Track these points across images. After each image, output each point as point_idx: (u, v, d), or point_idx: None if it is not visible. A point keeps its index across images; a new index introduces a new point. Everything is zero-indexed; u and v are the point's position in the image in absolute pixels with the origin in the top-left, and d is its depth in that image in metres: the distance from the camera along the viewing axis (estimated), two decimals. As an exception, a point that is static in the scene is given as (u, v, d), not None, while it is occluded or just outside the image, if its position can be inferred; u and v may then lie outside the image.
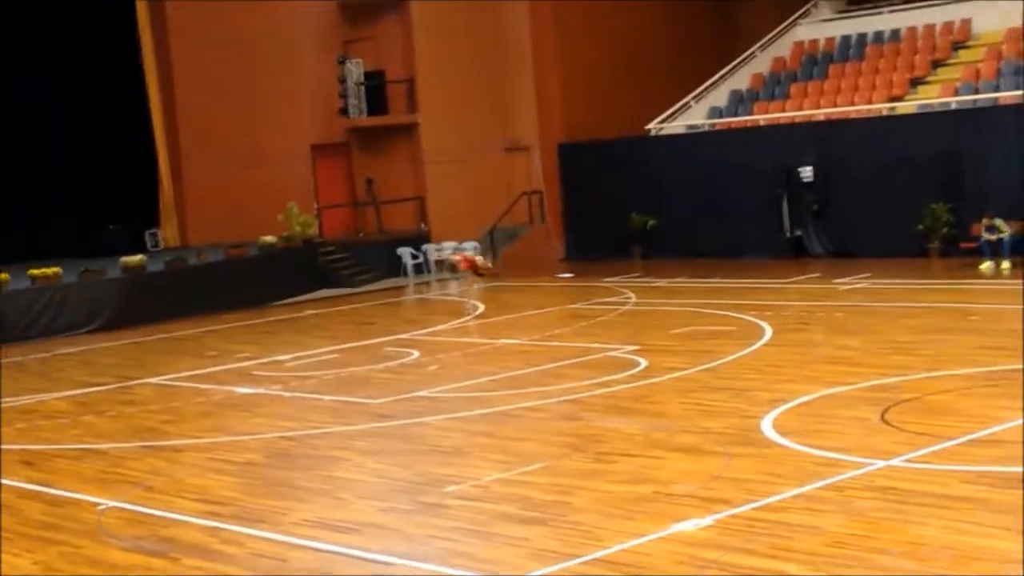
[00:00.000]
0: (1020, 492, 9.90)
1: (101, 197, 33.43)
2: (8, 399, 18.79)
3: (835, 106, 31.32)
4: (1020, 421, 12.19)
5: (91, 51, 33.49)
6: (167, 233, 34.62)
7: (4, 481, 13.52)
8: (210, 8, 33.63)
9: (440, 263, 32.95)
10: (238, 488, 12.48)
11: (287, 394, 17.74)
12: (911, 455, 11.31)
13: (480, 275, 26.95)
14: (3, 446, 15.37)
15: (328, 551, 10.12)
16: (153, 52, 33.96)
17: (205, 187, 34.21)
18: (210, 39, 33.74)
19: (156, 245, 34.09)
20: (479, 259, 27.08)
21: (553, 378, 16.89)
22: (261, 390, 18.15)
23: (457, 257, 28.35)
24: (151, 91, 34.06)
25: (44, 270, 26.62)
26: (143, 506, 11.99)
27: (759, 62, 34.70)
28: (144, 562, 10.28)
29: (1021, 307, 19.24)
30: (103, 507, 12.05)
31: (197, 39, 33.89)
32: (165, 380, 19.75)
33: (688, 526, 9.75)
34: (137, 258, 28.25)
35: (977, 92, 29.04)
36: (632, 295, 25.40)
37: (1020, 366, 14.70)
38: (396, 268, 32.93)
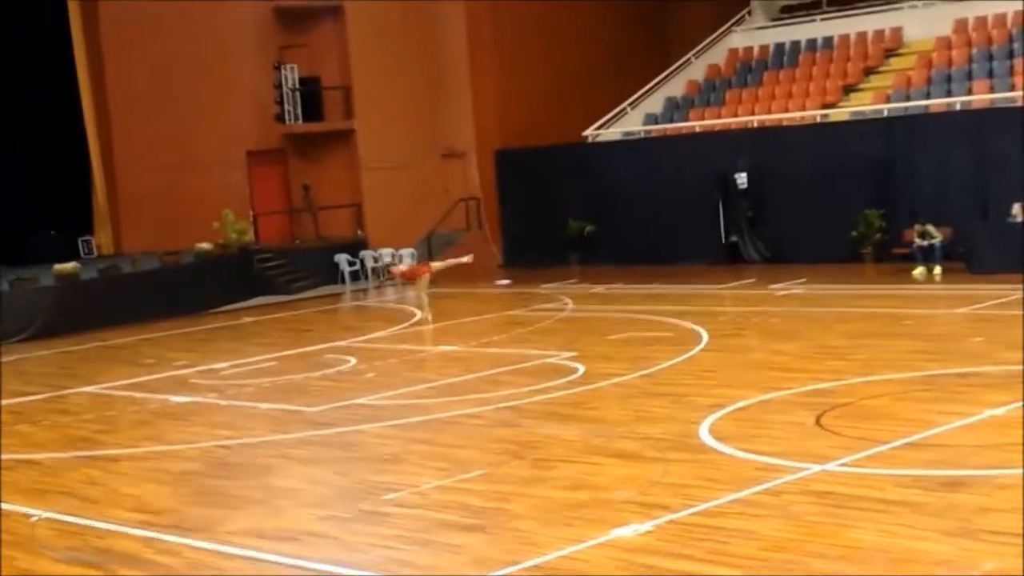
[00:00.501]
0: (955, 494, 10.01)
1: (33, 203, 33.04)
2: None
3: (769, 113, 31.59)
4: (951, 425, 12.35)
5: (23, 55, 33.10)
6: (101, 240, 34.30)
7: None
8: (144, 12, 33.37)
9: (376, 271, 32.90)
10: (174, 498, 12.37)
11: (224, 402, 17.61)
12: (847, 459, 11.40)
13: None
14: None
15: (266, 560, 10.05)
16: (86, 56, 33.64)
17: (139, 194, 33.93)
18: (144, 44, 33.48)
19: (90, 252, 33.77)
20: (435, 264, 26.30)
21: (491, 385, 16.88)
22: (198, 398, 18.01)
23: (402, 267, 27.57)
24: (84, 96, 33.72)
25: (-25, 278, 26.30)
26: (78, 516, 11.84)
27: (694, 69, 34.93)
28: (79, 573, 10.16)
29: (1021, 313, 19.35)
30: (36, 518, 11.89)
31: (131, 44, 33.62)
32: (100, 389, 19.54)
33: (627, 532, 9.77)
34: (70, 265, 27.95)
35: (908, 99, 29.40)
36: (569, 301, 25.46)
37: (954, 370, 14.87)
38: (333, 275, 32.84)
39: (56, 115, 33.50)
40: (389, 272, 29.28)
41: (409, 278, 25.94)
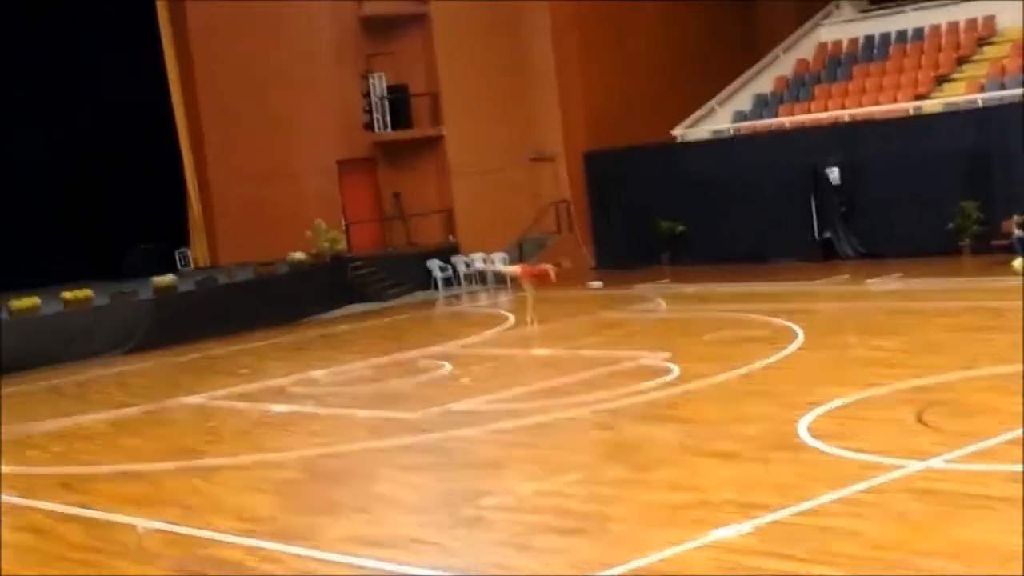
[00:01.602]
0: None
1: (130, 218, 33.55)
2: (45, 422, 18.89)
3: (860, 106, 31.21)
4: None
5: (117, 72, 33.63)
6: (197, 252, 34.72)
7: (43, 505, 13.60)
8: (233, 25, 33.72)
9: (472, 276, 33.00)
10: (276, 506, 12.50)
11: (322, 411, 17.76)
12: (950, 455, 11.24)
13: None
14: (41, 469, 15.47)
15: (368, 567, 10.12)
16: (177, 71, 34.07)
17: (233, 205, 34.29)
18: (233, 56, 33.84)
19: (186, 264, 34.21)
20: (549, 267, 24.85)
21: (587, 387, 16.85)
22: (296, 407, 18.18)
23: (517, 269, 26.21)
24: (176, 109, 34.15)
25: (75, 293, 26.75)
26: (182, 526, 12.01)
27: (782, 64, 34.63)
28: (185, 582, 10.32)
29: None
30: (142, 528, 12.09)
31: (220, 56, 33.99)
32: (201, 399, 19.80)
33: (728, 533, 9.72)
34: (168, 278, 28.36)
35: (1003, 88, 28.88)
36: (663, 302, 25.35)
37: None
38: (426, 281, 32.97)
39: (150, 131, 33.95)
40: (510, 273, 28.24)
41: (542, 279, 24.56)
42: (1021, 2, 30.84)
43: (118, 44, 33.73)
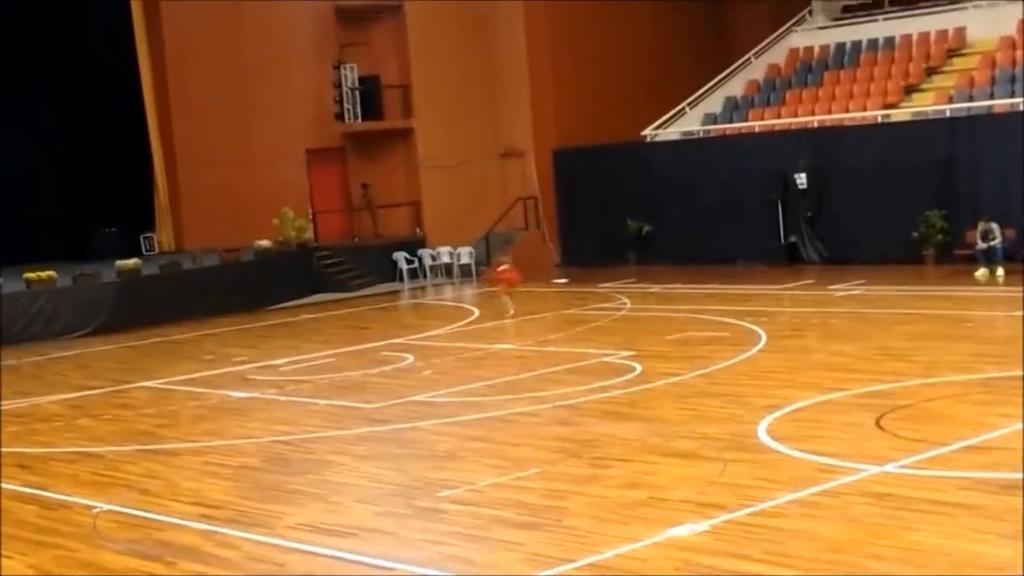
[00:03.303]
0: (1015, 498, 9.91)
1: (95, 200, 33.41)
2: (3, 402, 18.77)
3: (830, 113, 31.37)
4: (1016, 427, 12.21)
5: (86, 54, 33.52)
6: (162, 237, 34.60)
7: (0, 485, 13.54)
8: (205, 11, 33.63)
9: (438, 269, 33.00)
10: (233, 492, 12.48)
11: (282, 398, 17.74)
12: (906, 461, 11.33)
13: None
14: (-2, 449, 15.39)
15: (324, 555, 10.12)
16: (148, 56, 33.94)
17: (200, 191, 34.19)
18: (205, 43, 33.74)
19: (151, 249, 34.08)
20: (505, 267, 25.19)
21: (548, 383, 16.89)
22: (256, 394, 18.15)
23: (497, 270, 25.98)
24: (146, 95, 34.04)
25: (39, 273, 26.61)
26: (138, 509, 11.97)
27: (754, 69, 34.75)
28: (139, 565, 10.27)
29: (1021, 314, 19.25)
30: (98, 510, 12.04)
31: (192, 42, 33.89)
32: (161, 384, 19.73)
33: (683, 531, 9.76)
34: (132, 262, 28.25)
35: (971, 99, 29.10)
36: (627, 301, 25.41)
37: (1015, 373, 14.72)
38: (391, 273, 32.96)
39: (119, 113, 33.85)
40: (490, 274, 27.10)
41: (513, 284, 24.98)
42: (991, 14, 31.09)
43: (90, 27, 33.59)
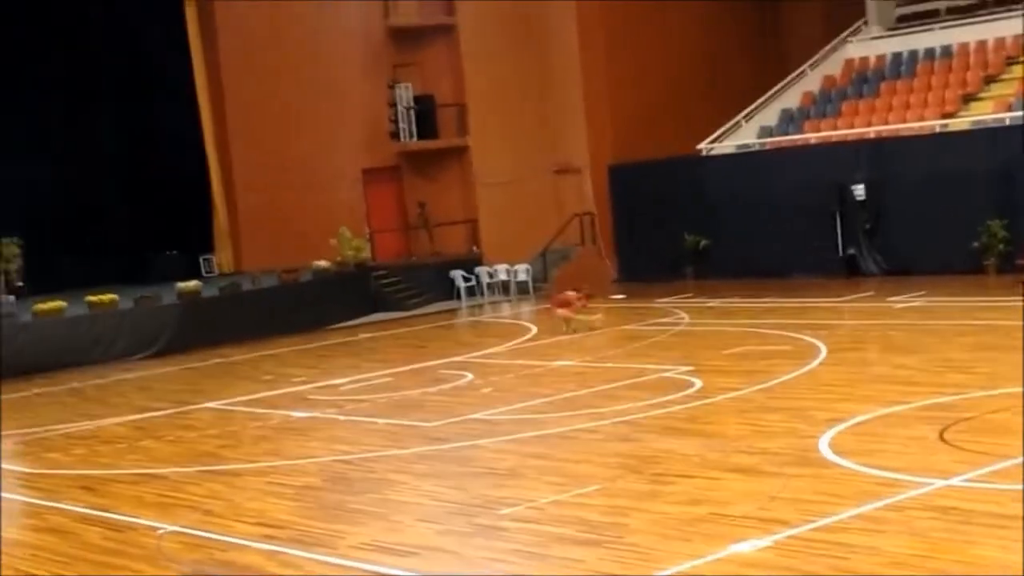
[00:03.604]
0: (1082, 511, 9.81)
1: (155, 224, 33.71)
2: (66, 425, 19.00)
3: (887, 123, 31.15)
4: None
5: (144, 80, 33.84)
6: (222, 259, 34.84)
7: (64, 506, 13.68)
8: (261, 34, 33.89)
9: (495, 287, 33.00)
10: (295, 512, 12.54)
11: (342, 418, 17.82)
12: (970, 474, 11.21)
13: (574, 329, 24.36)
14: (62, 471, 15.55)
15: (386, 574, 10.15)
16: (205, 80, 34.22)
17: (258, 212, 34.41)
18: (260, 65, 33.97)
19: (211, 271, 34.32)
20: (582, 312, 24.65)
21: (608, 399, 16.86)
22: (317, 414, 18.24)
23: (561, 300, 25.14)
24: (204, 117, 34.31)
25: (100, 297, 26.90)
26: (202, 530, 12.07)
27: (809, 80, 34.57)
28: (204, 586, 10.35)
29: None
30: (162, 531, 12.14)
31: (248, 66, 34.12)
32: (222, 405, 19.88)
33: (746, 547, 9.71)
34: (192, 284, 28.51)
35: (1031, 107, 28.81)
36: (685, 315, 25.33)
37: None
38: (449, 291, 33.02)
39: (177, 138, 34.13)
40: (558, 305, 25.13)
41: (574, 307, 24.58)
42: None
43: (148, 52, 33.94)
